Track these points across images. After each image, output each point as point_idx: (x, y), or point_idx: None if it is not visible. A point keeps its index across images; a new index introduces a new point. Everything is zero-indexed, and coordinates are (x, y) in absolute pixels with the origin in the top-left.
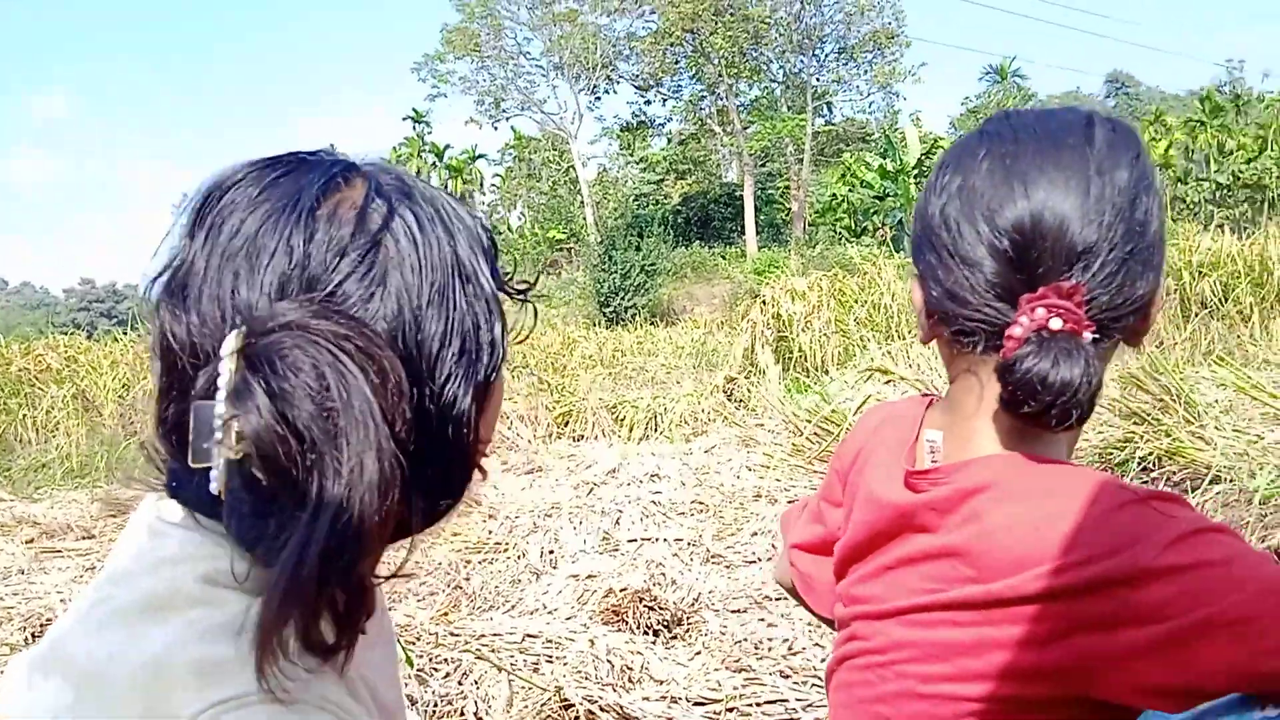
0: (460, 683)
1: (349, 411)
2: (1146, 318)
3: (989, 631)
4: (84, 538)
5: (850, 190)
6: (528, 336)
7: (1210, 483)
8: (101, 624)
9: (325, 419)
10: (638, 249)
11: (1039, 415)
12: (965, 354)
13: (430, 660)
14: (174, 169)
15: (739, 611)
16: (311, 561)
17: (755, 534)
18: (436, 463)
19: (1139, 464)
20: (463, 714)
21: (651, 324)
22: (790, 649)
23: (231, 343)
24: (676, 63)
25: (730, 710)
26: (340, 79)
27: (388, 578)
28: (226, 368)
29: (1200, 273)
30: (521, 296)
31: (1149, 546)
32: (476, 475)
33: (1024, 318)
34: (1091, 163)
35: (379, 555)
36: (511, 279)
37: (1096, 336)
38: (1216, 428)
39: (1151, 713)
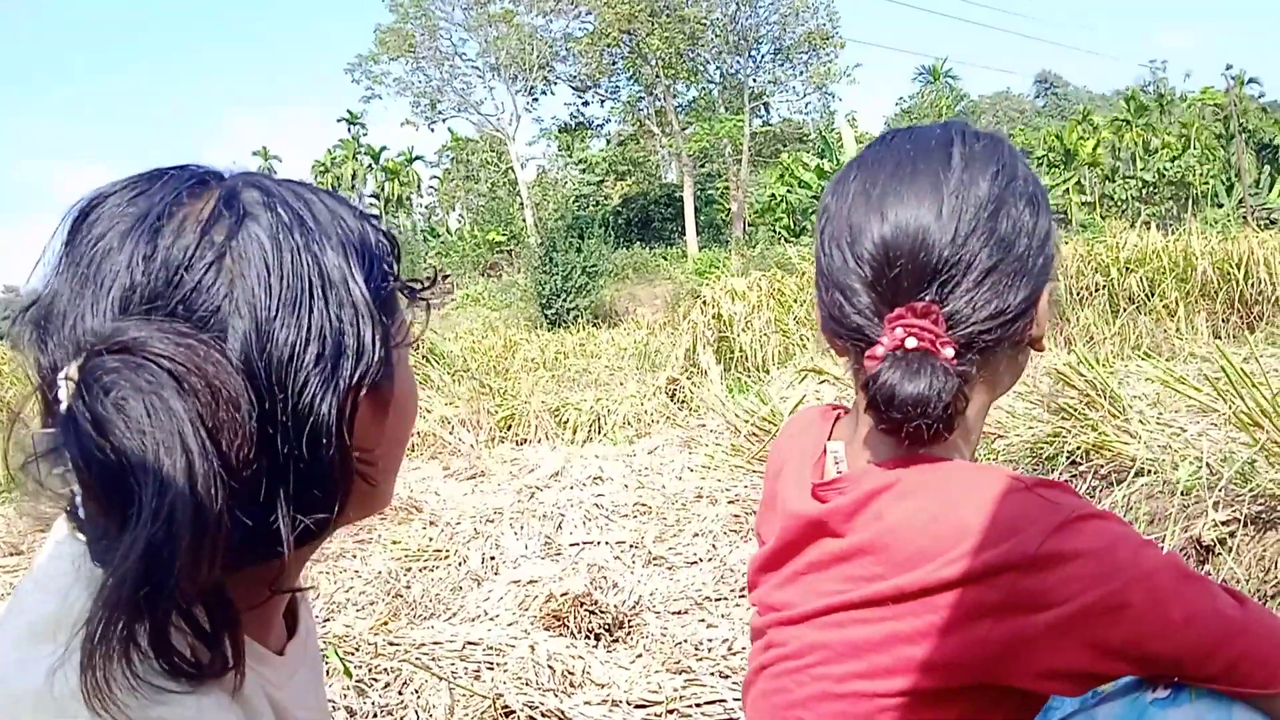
0: (400, 693)
1: (162, 433)
2: (1032, 323)
3: (896, 626)
4: (11, 554)
5: (789, 190)
6: (420, 335)
7: (1135, 475)
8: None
9: (140, 441)
10: (579, 250)
11: (897, 428)
12: (858, 368)
13: (370, 671)
14: (106, 170)
15: (680, 613)
16: (126, 581)
17: (696, 535)
18: (302, 474)
19: (1067, 458)
20: None
21: (594, 326)
22: (730, 649)
23: (71, 370)
24: (614, 64)
25: (670, 712)
26: (274, 76)
27: (276, 592)
28: (64, 394)
29: (1128, 269)
30: (413, 294)
31: (1034, 534)
32: (368, 487)
33: (885, 336)
34: (947, 182)
35: (206, 571)
36: (424, 279)
37: (960, 351)
38: (1141, 421)
39: (1056, 699)
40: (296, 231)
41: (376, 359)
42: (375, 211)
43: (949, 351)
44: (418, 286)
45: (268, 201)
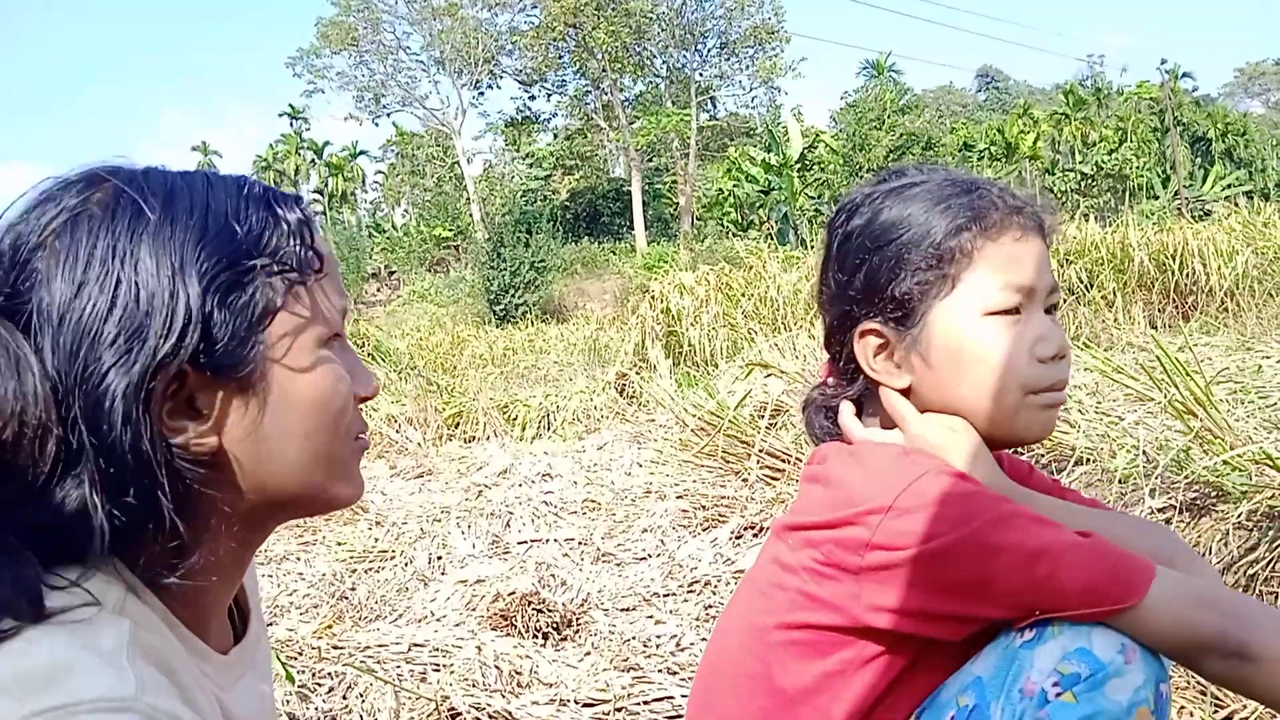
0: (344, 697)
1: None
2: (860, 353)
3: (787, 556)
4: None
5: (736, 185)
6: (333, 327)
7: (1075, 464)
8: None
9: None
10: (526, 245)
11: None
12: None
13: (313, 676)
14: (40, 169)
15: (628, 610)
16: None
17: (645, 530)
18: (103, 460)
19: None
20: None
21: (543, 321)
22: (678, 645)
23: None
24: (560, 58)
25: (619, 710)
26: (212, 72)
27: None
28: None
29: (1067, 260)
30: (295, 277)
31: (898, 485)
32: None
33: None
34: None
35: None
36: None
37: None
38: (1080, 411)
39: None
40: (126, 218)
41: (192, 341)
42: (293, 194)
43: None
44: (293, 269)
45: (116, 191)
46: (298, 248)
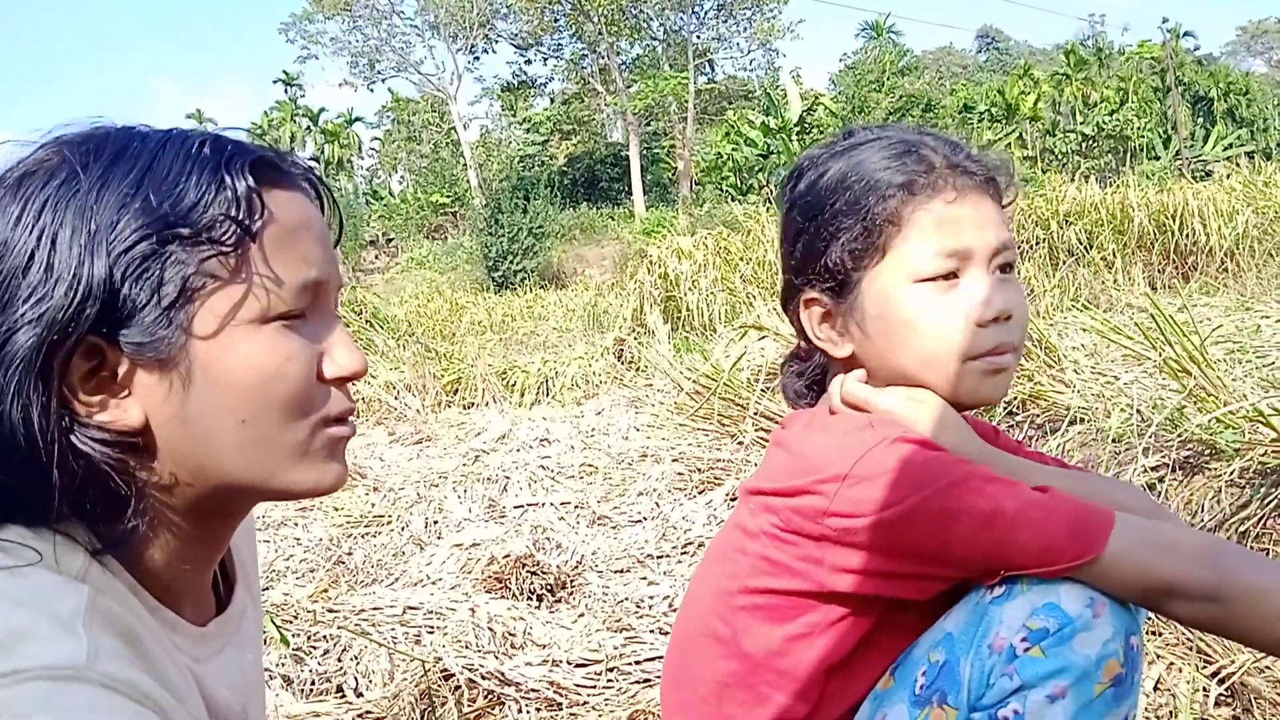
0: (339, 660)
1: None
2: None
3: (749, 522)
4: None
5: (734, 148)
6: (271, 310)
7: (1069, 424)
8: None
9: None
10: (524, 211)
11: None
12: None
13: (308, 639)
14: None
15: (621, 572)
16: None
17: (641, 494)
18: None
19: (1004, 408)
20: (340, 690)
21: (541, 288)
22: (671, 606)
23: None
24: (556, 21)
25: (610, 670)
26: (202, 40)
27: None
28: None
29: (1067, 221)
30: (228, 246)
31: (855, 453)
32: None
33: None
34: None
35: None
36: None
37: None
38: (1076, 371)
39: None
40: (59, 180)
41: (91, 313)
42: (274, 154)
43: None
44: (222, 243)
45: (62, 153)
46: (236, 219)
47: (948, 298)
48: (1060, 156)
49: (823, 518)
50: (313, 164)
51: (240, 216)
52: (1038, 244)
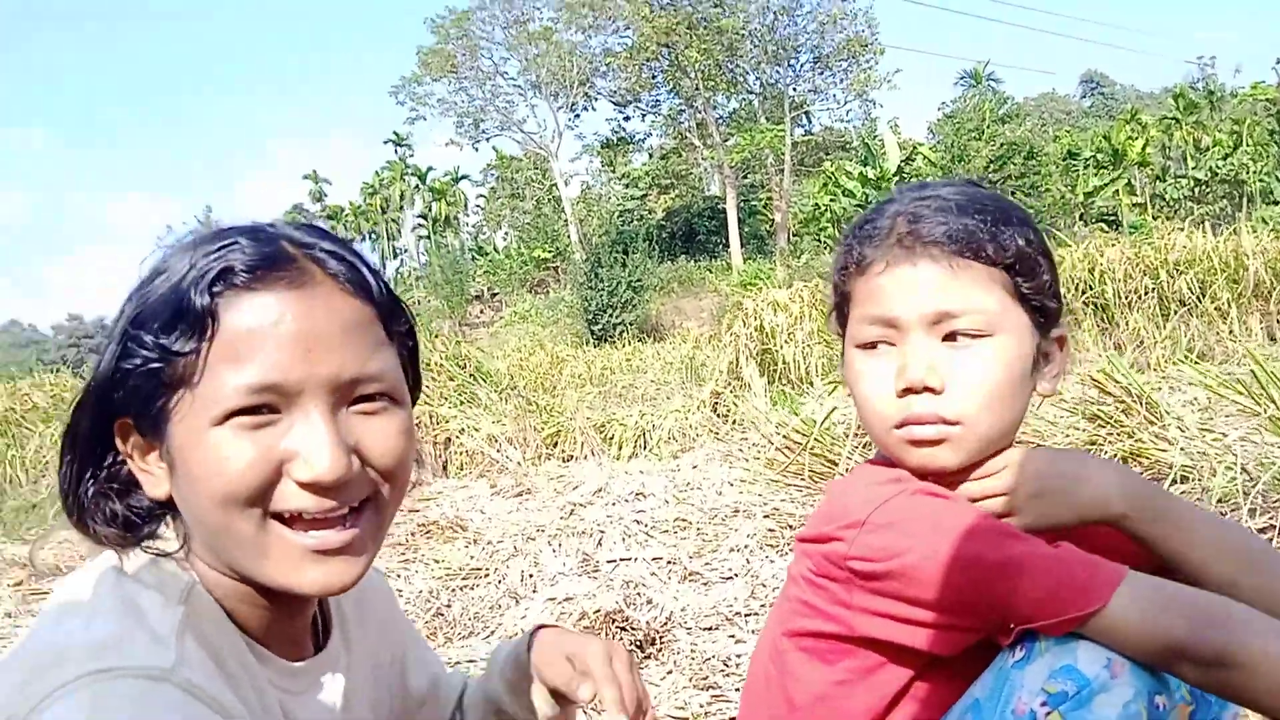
0: None
1: None
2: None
3: (794, 568)
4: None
5: (833, 199)
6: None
7: (1173, 482)
8: None
9: None
10: (623, 265)
11: None
12: None
13: None
14: (155, 199)
15: (710, 629)
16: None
17: (733, 550)
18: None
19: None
20: None
21: (640, 340)
22: None
23: None
24: (653, 77)
25: None
26: (316, 104)
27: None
28: None
29: (1177, 270)
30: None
31: (875, 502)
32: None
33: None
34: None
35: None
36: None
37: None
38: (1180, 429)
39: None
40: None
41: (104, 381)
42: (247, 267)
43: None
44: (163, 350)
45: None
46: (185, 335)
47: (875, 364)
48: (1171, 203)
49: (844, 561)
50: (329, 254)
51: (187, 333)
52: (1147, 294)
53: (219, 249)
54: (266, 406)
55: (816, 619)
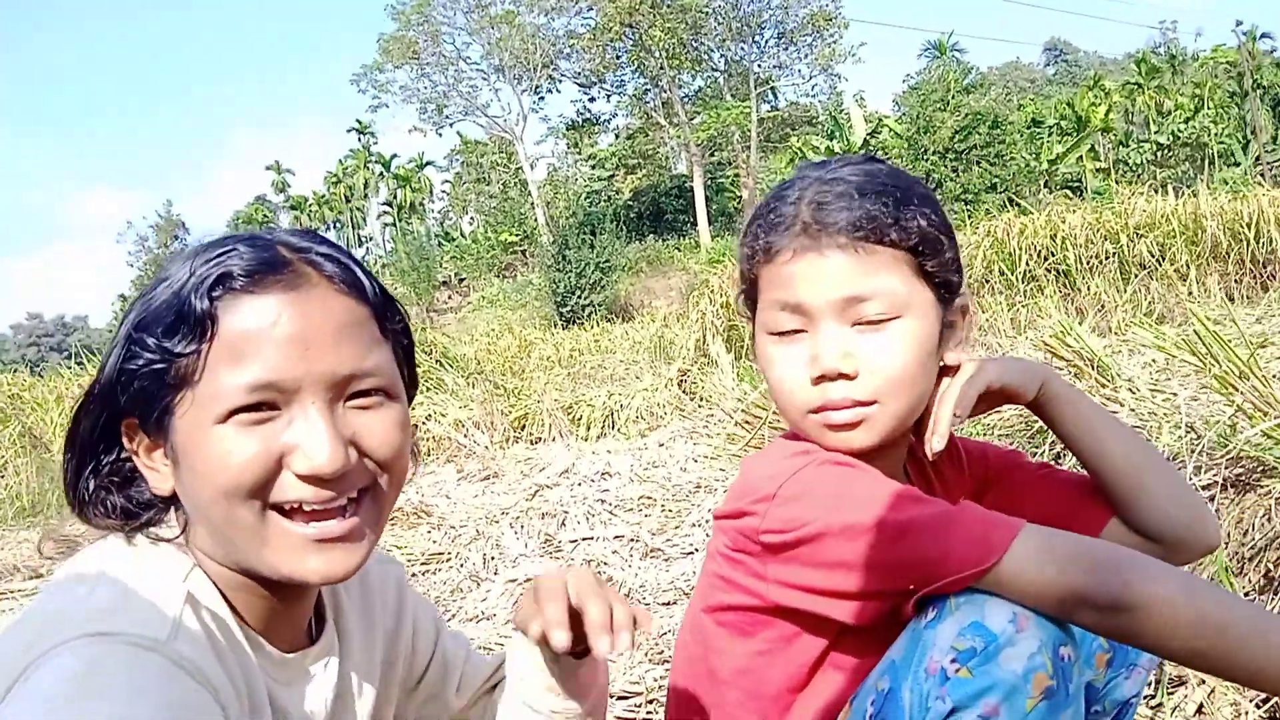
0: None
1: None
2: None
3: (712, 544)
4: (31, 577)
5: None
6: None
7: None
8: None
9: None
10: (591, 246)
11: None
12: None
13: None
14: (114, 193)
15: (668, 604)
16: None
17: (694, 525)
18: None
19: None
20: None
21: (609, 321)
22: None
23: None
24: (618, 58)
25: (650, 702)
26: (277, 92)
27: None
28: None
29: (1138, 234)
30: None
31: (784, 474)
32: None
33: None
34: None
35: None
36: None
37: None
38: (1131, 390)
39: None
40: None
41: (109, 383)
42: (245, 271)
43: None
44: (164, 351)
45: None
46: (186, 338)
47: (788, 351)
48: (1135, 168)
49: (758, 535)
50: (324, 257)
51: (189, 336)
52: (1108, 258)
53: (218, 255)
54: (266, 404)
55: (734, 593)
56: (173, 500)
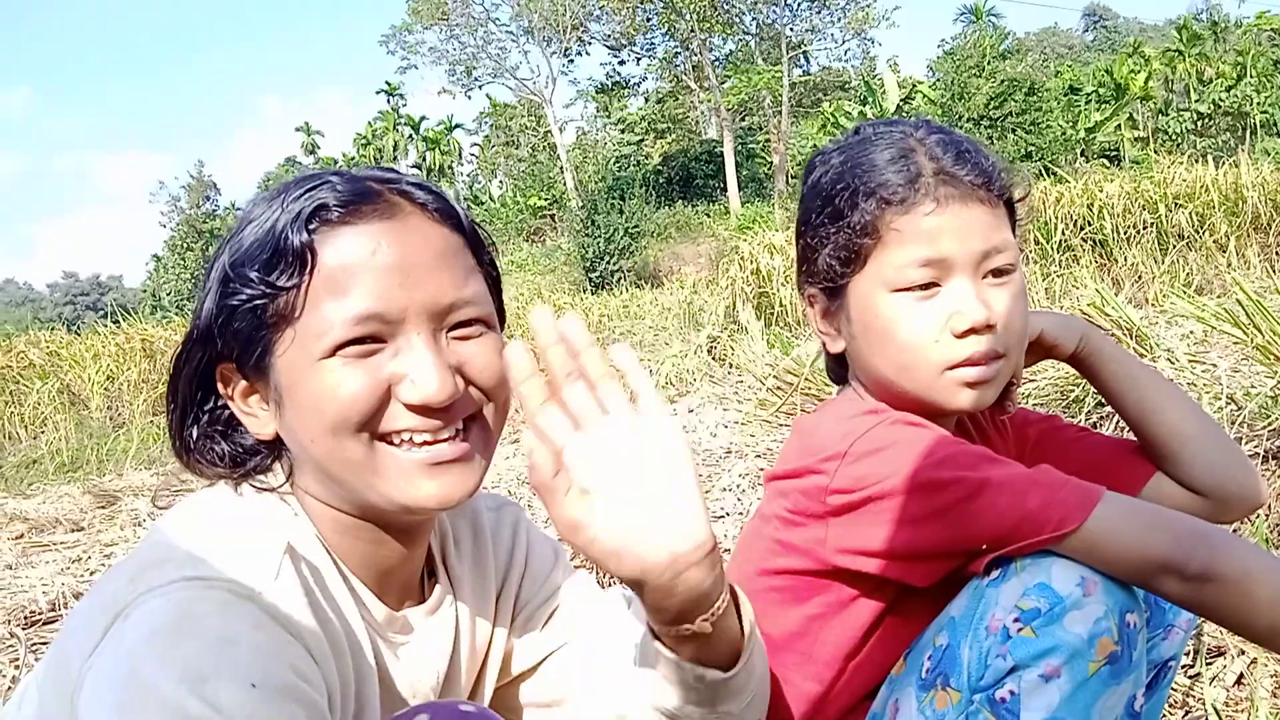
0: None
1: None
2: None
3: (765, 508)
4: (73, 530)
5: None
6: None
7: None
8: None
9: None
10: (620, 211)
11: None
12: None
13: None
14: (145, 156)
15: None
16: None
17: (725, 490)
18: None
19: (1094, 397)
20: None
21: (637, 287)
22: None
23: None
24: (648, 20)
25: None
26: (304, 57)
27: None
28: None
29: (1176, 204)
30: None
31: (854, 433)
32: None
33: None
34: None
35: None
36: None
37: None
38: (1170, 360)
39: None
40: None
41: (216, 338)
42: (337, 203)
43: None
44: (268, 286)
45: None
46: (286, 273)
47: (924, 307)
48: (1174, 137)
49: (825, 495)
50: (415, 186)
51: (288, 270)
52: (1145, 228)
53: (309, 189)
54: (371, 337)
55: (790, 556)
56: (277, 445)
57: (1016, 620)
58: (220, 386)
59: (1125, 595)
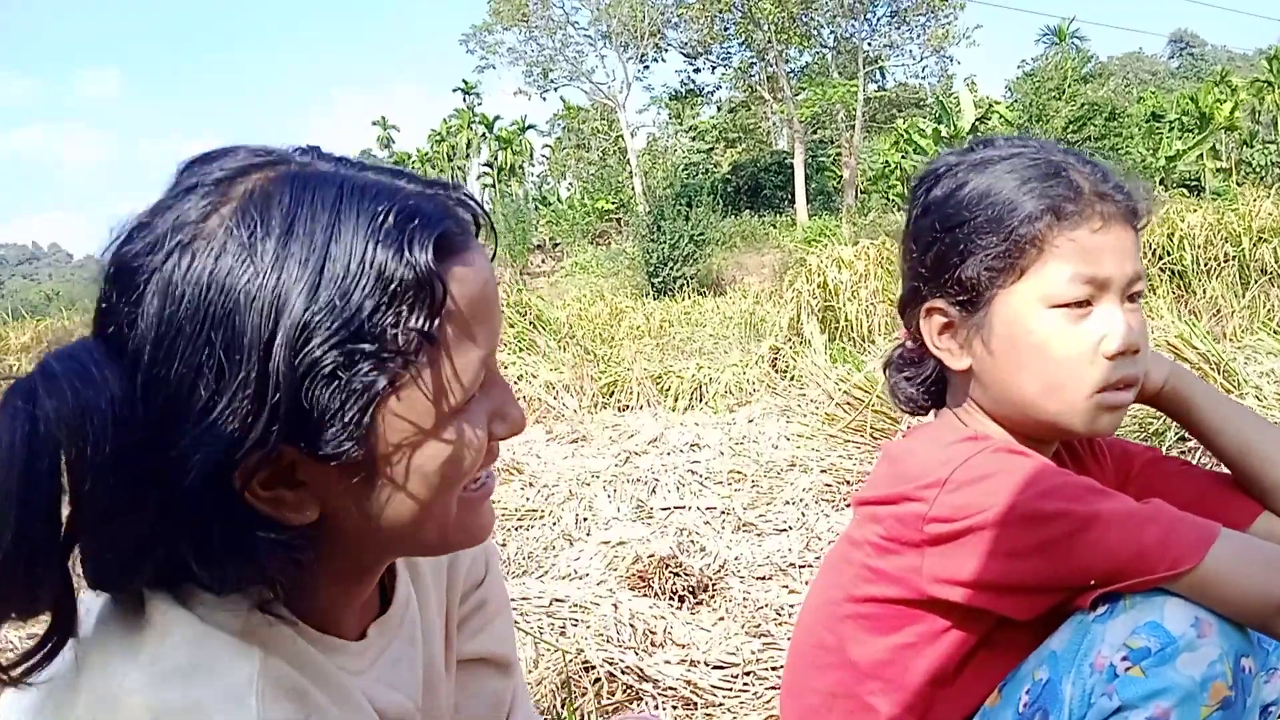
0: None
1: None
2: (925, 331)
3: (855, 532)
4: None
5: (903, 157)
6: (460, 392)
7: None
8: None
9: None
10: (686, 219)
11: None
12: None
13: None
14: (219, 143)
15: (763, 578)
16: None
17: (788, 503)
18: (190, 519)
19: (1176, 432)
20: None
21: (700, 294)
22: None
23: None
24: (725, 29)
25: (747, 674)
26: (380, 53)
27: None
28: None
29: (1260, 239)
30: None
31: (955, 461)
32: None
33: None
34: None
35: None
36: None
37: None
38: (1258, 397)
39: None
40: (234, 253)
41: (279, 429)
42: (436, 209)
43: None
44: (406, 352)
45: (238, 210)
46: (419, 328)
47: (1080, 326)
48: (1258, 170)
49: (923, 524)
50: (472, 196)
51: (423, 324)
52: (1227, 261)
53: (416, 214)
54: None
55: (883, 584)
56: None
57: (1125, 659)
58: (238, 481)
59: (1241, 638)
